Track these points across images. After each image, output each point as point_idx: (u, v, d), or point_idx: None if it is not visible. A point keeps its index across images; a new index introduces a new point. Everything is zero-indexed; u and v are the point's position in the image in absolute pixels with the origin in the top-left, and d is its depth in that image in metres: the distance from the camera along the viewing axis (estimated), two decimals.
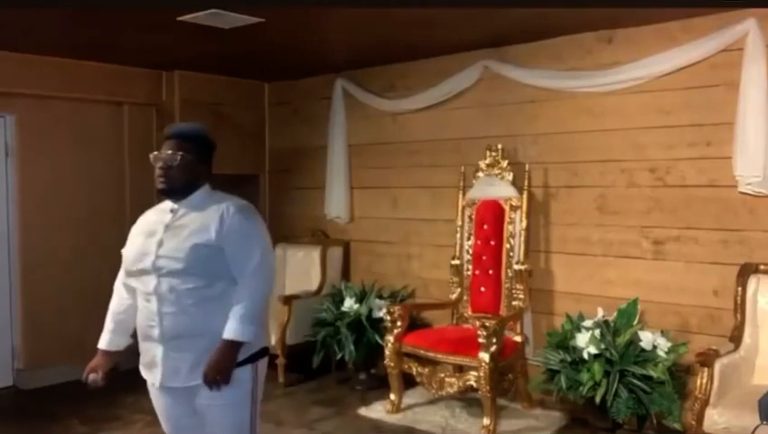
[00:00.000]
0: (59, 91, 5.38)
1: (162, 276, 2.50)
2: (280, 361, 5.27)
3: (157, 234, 2.56)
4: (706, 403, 3.44)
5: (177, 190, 2.57)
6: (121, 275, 2.71)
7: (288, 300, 5.35)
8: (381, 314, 4.97)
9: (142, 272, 2.54)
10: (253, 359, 2.59)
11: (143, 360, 2.63)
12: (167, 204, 2.64)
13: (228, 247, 2.50)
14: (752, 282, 3.89)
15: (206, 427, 2.59)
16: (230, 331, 2.47)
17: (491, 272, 4.83)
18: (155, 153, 2.58)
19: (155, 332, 2.53)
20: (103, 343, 2.70)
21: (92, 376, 2.64)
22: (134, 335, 2.68)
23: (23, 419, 4.71)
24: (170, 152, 2.54)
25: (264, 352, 2.67)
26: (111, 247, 5.82)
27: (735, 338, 3.81)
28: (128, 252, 2.63)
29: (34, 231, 5.39)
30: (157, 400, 2.68)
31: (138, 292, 2.60)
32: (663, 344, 3.98)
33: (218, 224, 2.51)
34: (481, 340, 4.20)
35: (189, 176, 2.57)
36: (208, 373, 2.45)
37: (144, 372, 2.64)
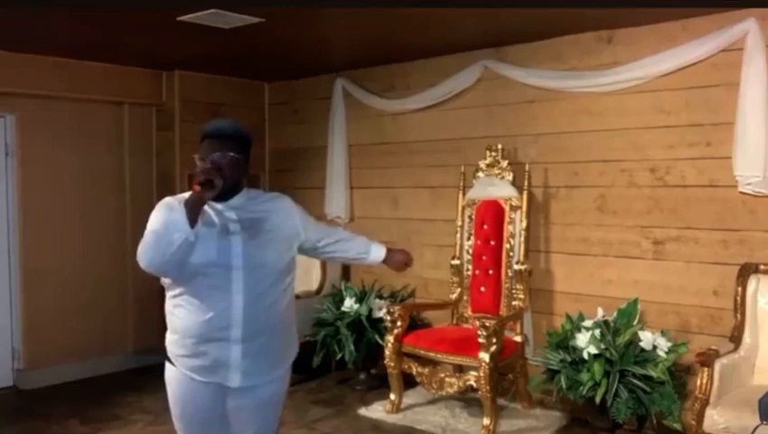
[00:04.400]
0: (59, 91, 5.38)
1: (249, 272, 2.39)
2: None
3: (233, 230, 2.41)
4: (706, 403, 3.45)
5: (225, 191, 2.37)
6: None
7: None
8: (381, 314, 4.97)
9: (225, 268, 2.37)
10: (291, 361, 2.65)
11: (201, 364, 2.44)
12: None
13: (311, 233, 2.63)
14: (752, 282, 3.89)
15: (233, 428, 2.56)
16: (379, 248, 2.83)
17: (491, 272, 4.83)
18: (199, 154, 2.41)
19: (235, 332, 2.39)
20: None
21: None
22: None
23: (23, 419, 4.70)
24: (218, 153, 2.37)
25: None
26: (111, 247, 5.82)
27: (735, 338, 3.81)
28: (204, 248, 2.34)
29: (34, 230, 5.38)
30: (201, 400, 2.50)
31: (203, 291, 2.38)
32: (663, 344, 3.97)
33: (289, 218, 2.57)
34: (481, 340, 4.20)
35: (237, 176, 2.45)
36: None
37: (198, 376, 2.46)
